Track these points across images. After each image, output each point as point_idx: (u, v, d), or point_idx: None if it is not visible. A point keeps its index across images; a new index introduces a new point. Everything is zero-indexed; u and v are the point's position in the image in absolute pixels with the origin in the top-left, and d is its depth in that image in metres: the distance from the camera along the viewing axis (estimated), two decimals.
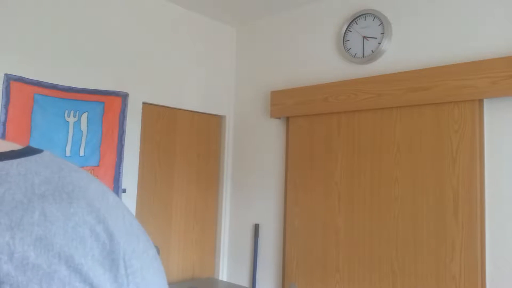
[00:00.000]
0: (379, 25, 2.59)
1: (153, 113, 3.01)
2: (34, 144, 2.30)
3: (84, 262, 0.34)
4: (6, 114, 2.25)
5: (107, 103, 2.66)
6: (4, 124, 2.24)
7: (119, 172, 2.68)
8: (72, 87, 2.52)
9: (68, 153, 2.47)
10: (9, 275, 0.31)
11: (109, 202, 0.40)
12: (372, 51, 2.61)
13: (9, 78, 2.27)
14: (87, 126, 2.57)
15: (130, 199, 2.76)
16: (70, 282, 0.33)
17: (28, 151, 0.41)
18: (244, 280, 3.23)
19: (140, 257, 0.39)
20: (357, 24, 2.71)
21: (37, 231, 0.33)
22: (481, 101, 2.18)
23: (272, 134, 3.18)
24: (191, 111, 3.25)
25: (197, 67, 3.25)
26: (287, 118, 3.03)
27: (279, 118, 3.10)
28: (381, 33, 2.58)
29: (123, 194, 2.71)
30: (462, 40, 2.30)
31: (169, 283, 3.01)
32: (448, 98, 2.23)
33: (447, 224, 2.22)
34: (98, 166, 2.59)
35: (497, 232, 2.10)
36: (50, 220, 0.34)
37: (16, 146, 0.42)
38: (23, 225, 0.33)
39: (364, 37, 2.66)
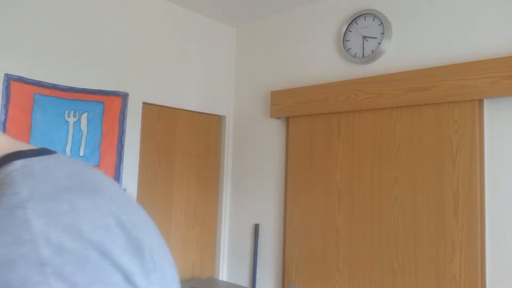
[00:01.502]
0: (379, 25, 2.59)
1: (153, 113, 3.01)
2: (34, 144, 2.30)
3: (113, 248, 0.36)
4: (6, 114, 2.25)
5: (107, 103, 2.66)
6: (4, 124, 2.24)
7: (119, 172, 2.68)
8: (72, 87, 2.52)
9: (68, 153, 2.47)
10: (49, 257, 0.33)
11: (125, 198, 0.43)
12: (372, 51, 2.61)
13: (9, 78, 2.27)
14: (87, 126, 2.57)
15: None
16: (103, 265, 0.35)
17: (45, 151, 0.44)
18: (244, 280, 3.23)
19: (158, 249, 0.42)
20: (357, 24, 2.71)
21: (67, 219, 0.36)
22: (481, 101, 2.18)
23: (272, 134, 3.18)
24: (191, 111, 3.25)
25: (197, 67, 3.25)
26: (287, 118, 3.03)
27: (279, 118, 3.10)
28: (381, 33, 2.58)
29: None
30: (462, 40, 2.30)
31: None
32: (448, 98, 2.23)
33: (447, 224, 2.22)
34: (98, 166, 2.59)
35: (497, 232, 2.10)
36: (77, 210, 0.37)
37: (33, 147, 0.45)
38: (54, 214, 0.35)
39: (364, 37, 2.66)
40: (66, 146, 2.48)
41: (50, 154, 0.44)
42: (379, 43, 2.58)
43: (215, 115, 3.43)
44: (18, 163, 0.40)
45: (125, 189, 2.70)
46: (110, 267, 0.35)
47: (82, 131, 2.55)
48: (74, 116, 2.52)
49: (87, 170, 0.44)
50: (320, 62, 2.94)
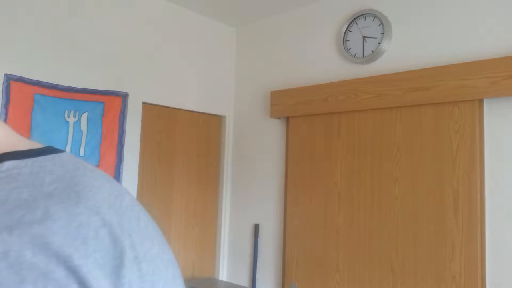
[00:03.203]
0: (379, 25, 2.59)
1: (153, 113, 3.01)
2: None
3: (83, 264, 0.33)
4: (6, 114, 2.25)
5: (107, 103, 2.66)
6: None
7: (119, 172, 2.68)
8: (72, 87, 2.52)
9: None
10: (1, 274, 0.30)
11: (122, 203, 0.39)
12: (372, 51, 2.61)
13: (9, 78, 2.27)
14: (87, 126, 2.57)
15: None
16: (67, 284, 0.32)
17: (47, 150, 0.41)
18: (244, 280, 3.23)
19: (153, 260, 0.39)
20: (357, 24, 2.71)
21: (37, 229, 0.33)
22: (481, 101, 2.18)
23: (272, 134, 3.18)
24: (191, 111, 3.25)
25: (197, 67, 3.25)
26: (287, 118, 3.03)
27: (279, 118, 3.10)
28: (381, 33, 2.58)
29: None
30: (462, 40, 2.30)
31: None
32: (448, 98, 2.23)
33: (447, 224, 2.22)
34: (98, 166, 2.59)
35: (497, 232, 2.10)
36: (52, 219, 0.34)
37: (36, 145, 0.42)
38: (23, 224, 0.33)
39: (364, 37, 2.66)
40: (66, 146, 2.48)
41: (52, 153, 0.41)
42: (379, 43, 2.58)
43: (215, 115, 3.43)
44: (7, 165, 0.37)
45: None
46: (76, 286, 0.32)
47: (82, 131, 2.54)
48: (74, 116, 2.52)
49: (82, 173, 0.40)
50: (320, 62, 2.94)
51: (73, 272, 0.32)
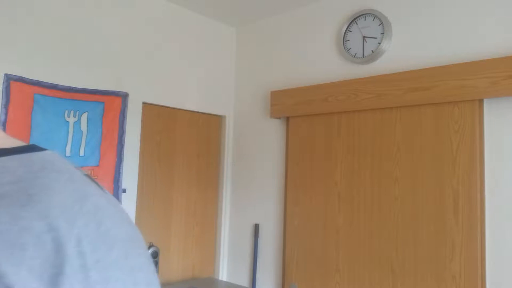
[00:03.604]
0: (379, 25, 2.59)
1: (153, 113, 3.01)
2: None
3: (14, 271, 0.31)
4: (6, 114, 2.25)
5: (107, 103, 2.66)
6: (4, 124, 2.24)
7: (119, 172, 2.68)
8: (72, 87, 2.52)
9: (68, 153, 2.47)
10: None
11: (82, 208, 0.37)
12: (372, 51, 2.61)
13: (9, 78, 2.27)
14: (87, 126, 2.57)
15: (130, 199, 2.76)
16: None
17: (23, 149, 0.39)
18: (244, 280, 3.23)
19: (107, 268, 0.36)
20: (357, 24, 2.70)
21: None
22: (481, 101, 2.18)
23: (272, 134, 3.18)
24: (191, 111, 3.25)
25: (197, 67, 3.25)
26: (287, 118, 3.03)
27: (279, 118, 3.10)
28: (381, 33, 2.58)
29: (123, 194, 2.71)
30: (462, 40, 2.30)
31: (169, 283, 3.01)
32: (448, 98, 2.23)
33: (447, 224, 2.22)
34: (98, 166, 2.59)
35: (497, 232, 2.10)
36: None
37: (15, 144, 0.40)
38: None
39: (364, 37, 2.66)
40: (66, 146, 2.48)
41: (28, 152, 0.39)
42: (379, 43, 2.58)
43: (215, 115, 3.43)
44: None
45: (124, 189, 2.71)
46: None
47: (82, 131, 2.54)
48: (74, 116, 2.52)
49: (45, 174, 0.37)
50: (320, 62, 2.94)
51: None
